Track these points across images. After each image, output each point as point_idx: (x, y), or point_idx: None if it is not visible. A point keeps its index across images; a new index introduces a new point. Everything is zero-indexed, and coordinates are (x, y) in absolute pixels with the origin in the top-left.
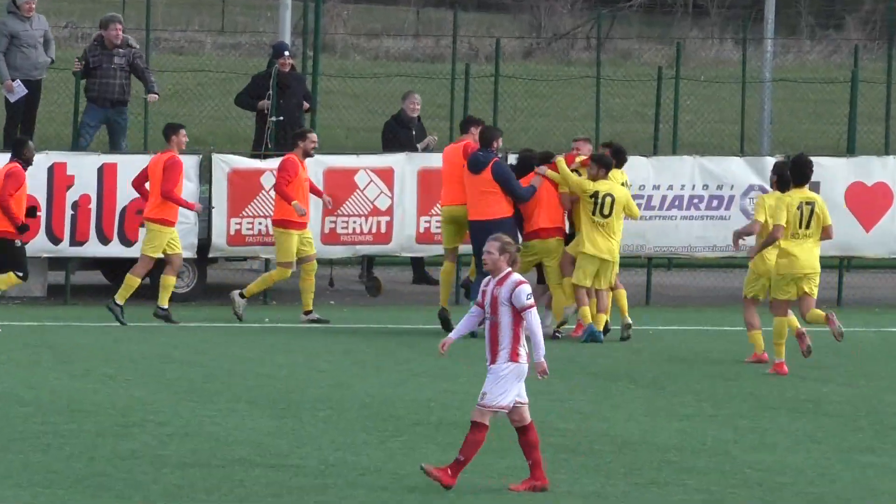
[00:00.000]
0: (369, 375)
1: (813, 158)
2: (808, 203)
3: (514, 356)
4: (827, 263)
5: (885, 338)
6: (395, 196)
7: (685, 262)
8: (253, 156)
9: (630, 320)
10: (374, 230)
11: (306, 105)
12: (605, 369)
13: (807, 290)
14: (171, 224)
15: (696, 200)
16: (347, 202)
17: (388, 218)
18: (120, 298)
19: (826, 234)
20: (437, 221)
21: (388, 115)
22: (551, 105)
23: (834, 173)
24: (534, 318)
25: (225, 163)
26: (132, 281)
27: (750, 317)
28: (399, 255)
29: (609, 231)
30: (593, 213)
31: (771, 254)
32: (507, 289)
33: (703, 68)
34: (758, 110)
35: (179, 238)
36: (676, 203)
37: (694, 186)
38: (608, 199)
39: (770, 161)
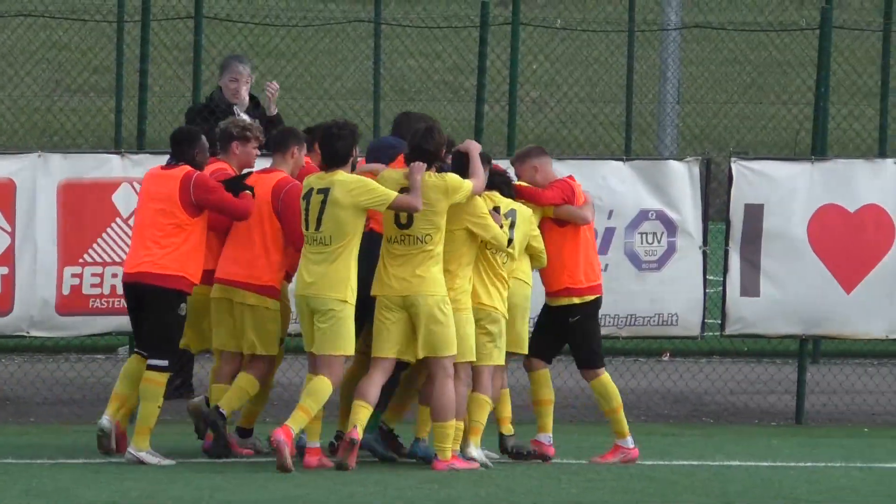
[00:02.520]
0: None
1: (752, 163)
2: (320, 191)
3: None
4: (787, 348)
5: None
6: (16, 229)
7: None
8: None
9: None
10: None
11: None
12: None
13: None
14: None
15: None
16: None
17: (4, 269)
18: None
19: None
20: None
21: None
22: (291, 73)
23: (792, 188)
24: None
25: None
26: None
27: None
28: (27, 335)
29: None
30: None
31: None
32: None
33: (561, 5)
34: (655, 79)
35: None
36: None
37: None
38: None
39: (678, 169)
